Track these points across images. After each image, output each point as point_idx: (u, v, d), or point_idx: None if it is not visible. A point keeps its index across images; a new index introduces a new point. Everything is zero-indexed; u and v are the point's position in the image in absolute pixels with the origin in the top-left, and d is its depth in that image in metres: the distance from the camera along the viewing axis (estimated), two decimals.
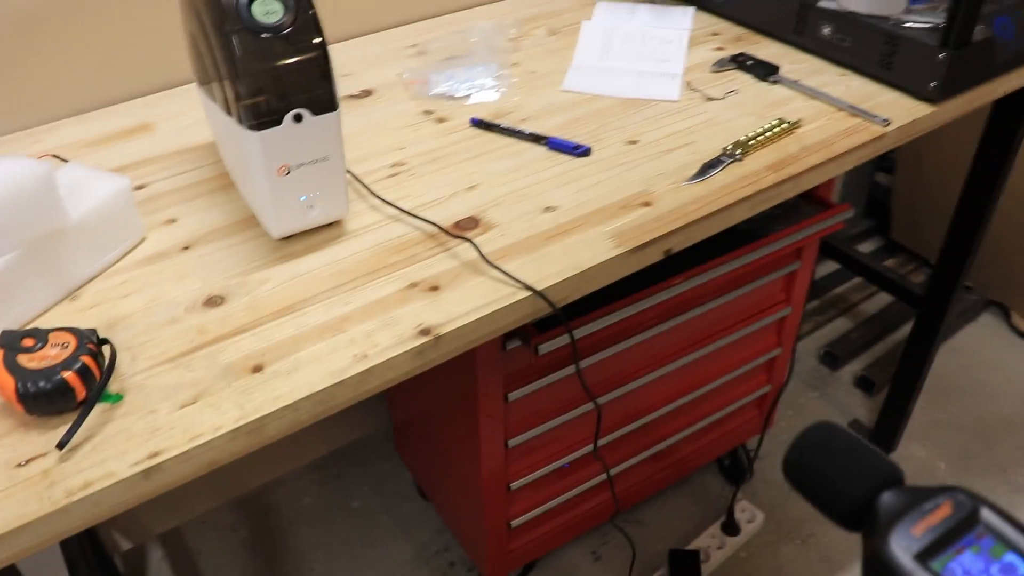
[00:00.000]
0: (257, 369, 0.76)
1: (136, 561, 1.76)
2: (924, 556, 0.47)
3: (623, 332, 1.36)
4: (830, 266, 2.50)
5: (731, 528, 1.82)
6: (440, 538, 1.79)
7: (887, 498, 0.52)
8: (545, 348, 1.18)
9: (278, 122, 0.84)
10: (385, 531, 1.81)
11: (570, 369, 1.33)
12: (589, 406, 1.42)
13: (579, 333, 1.22)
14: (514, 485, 1.43)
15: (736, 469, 1.93)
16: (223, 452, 0.71)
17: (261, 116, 0.83)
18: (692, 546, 1.78)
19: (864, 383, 2.14)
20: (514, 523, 1.49)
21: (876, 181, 2.63)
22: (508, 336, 1.22)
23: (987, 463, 1.99)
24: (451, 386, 1.36)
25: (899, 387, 1.91)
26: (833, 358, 2.19)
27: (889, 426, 1.98)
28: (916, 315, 1.80)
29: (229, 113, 0.88)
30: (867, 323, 2.30)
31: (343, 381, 0.75)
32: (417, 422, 1.66)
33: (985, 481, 1.95)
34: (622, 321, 1.26)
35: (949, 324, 1.83)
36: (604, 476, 1.57)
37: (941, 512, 0.49)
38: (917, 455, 2.00)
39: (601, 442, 1.51)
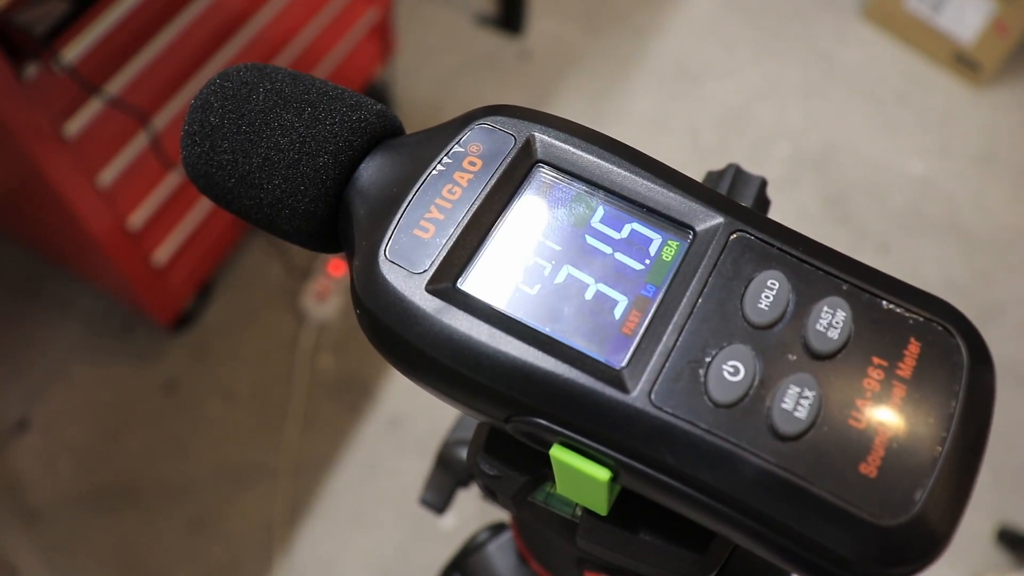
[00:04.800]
0: None
1: None
2: (448, 275, 0.26)
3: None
4: None
5: None
6: (101, 301, 1.56)
7: (367, 177, 0.29)
8: (74, 54, 0.91)
9: None
10: (38, 318, 1.54)
11: (143, 58, 1.07)
12: (185, 97, 1.18)
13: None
14: (133, 222, 1.21)
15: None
16: None
17: None
18: None
19: None
20: (156, 259, 1.30)
21: None
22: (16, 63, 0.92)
23: (612, 14, 2.00)
24: None
25: None
26: None
27: (514, 4, 1.89)
28: None
29: None
30: None
31: None
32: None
33: (612, 33, 1.97)
34: None
35: None
36: None
37: (465, 174, 0.27)
38: (551, 31, 1.96)
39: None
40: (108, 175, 1.13)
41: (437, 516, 0.50)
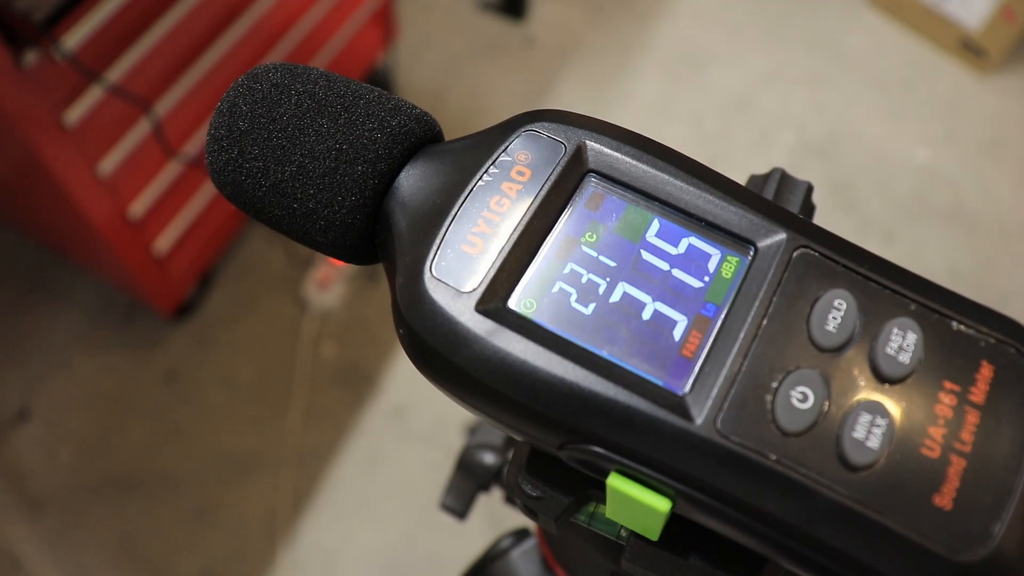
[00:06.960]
0: None
1: None
2: (498, 294, 0.25)
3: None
4: None
5: None
6: (101, 291, 1.54)
7: (408, 188, 0.27)
8: (74, 41, 0.89)
9: None
10: (38, 308, 1.53)
11: (144, 45, 1.05)
12: (187, 84, 1.16)
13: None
14: (134, 211, 1.20)
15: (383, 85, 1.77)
16: None
17: None
18: None
19: None
20: (157, 248, 1.28)
21: None
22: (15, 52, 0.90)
23: (616, 0, 1.98)
24: None
25: None
26: None
27: None
28: None
29: None
30: None
31: None
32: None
33: (616, 18, 1.95)
34: None
35: None
36: None
37: (513, 184, 0.26)
38: (554, 16, 1.93)
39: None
40: (109, 164, 1.11)
41: (459, 521, 0.49)
